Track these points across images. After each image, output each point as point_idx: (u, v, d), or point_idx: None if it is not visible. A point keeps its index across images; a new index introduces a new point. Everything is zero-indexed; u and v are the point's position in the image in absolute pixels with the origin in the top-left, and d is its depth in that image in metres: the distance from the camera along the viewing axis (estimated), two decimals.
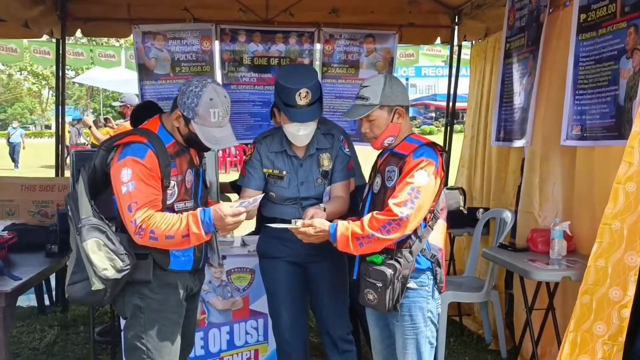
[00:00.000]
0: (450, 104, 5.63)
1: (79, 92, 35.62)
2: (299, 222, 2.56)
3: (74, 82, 27.42)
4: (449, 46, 5.62)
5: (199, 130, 2.45)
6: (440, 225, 2.52)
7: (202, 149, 2.59)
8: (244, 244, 3.63)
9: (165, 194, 2.45)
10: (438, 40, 5.70)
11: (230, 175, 12.65)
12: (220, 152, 4.80)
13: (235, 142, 2.57)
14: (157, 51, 5.14)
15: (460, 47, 5.53)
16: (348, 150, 3.04)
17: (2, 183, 4.37)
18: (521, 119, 3.90)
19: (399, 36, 5.30)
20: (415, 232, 2.43)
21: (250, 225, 3.70)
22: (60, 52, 5.18)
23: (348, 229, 2.44)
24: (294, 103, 2.79)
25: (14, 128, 21.21)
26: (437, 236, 2.50)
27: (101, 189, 2.49)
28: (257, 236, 3.15)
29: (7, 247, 3.15)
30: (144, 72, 5.16)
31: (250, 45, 5.24)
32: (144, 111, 2.75)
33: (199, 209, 2.42)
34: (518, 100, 3.98)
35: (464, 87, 5.74)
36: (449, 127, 5.70)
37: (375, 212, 2.42)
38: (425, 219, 2.44)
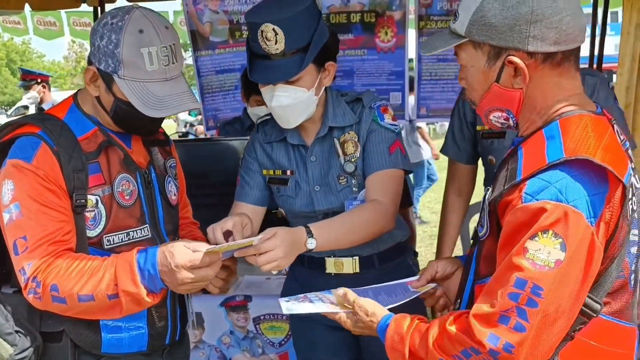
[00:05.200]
0: (596, 57, 4.06)
1: None
2: (327, 299, 1.49)
3: None
4: None
5: (128, 88, 1.46)
6: (616, 336, 1.25)
7: (145, 129, 1.61)
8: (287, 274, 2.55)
9: (82, 221, 1.48)
10: None
11: None
12: None
13: (195, 104, 1.54)
14: (211, 13, 4.23)
15: None
16: (392, 123, 1.87)
17: None
18: None
19: None
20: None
21: None
22: None
23: (404, 338, 1.28)
24: (258, 49, 1.73)
25: None
26: None
27: None
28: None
29: None
30: (198, 40, 4.28)
31: None
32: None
33: (135, 250, 1.45)
34: None
35: (609, 47, 4.21)
36: None
37: (451, 319, 1.24)
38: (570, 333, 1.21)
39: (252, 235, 1.63)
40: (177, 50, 1.51)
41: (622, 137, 1.31)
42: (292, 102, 1.78)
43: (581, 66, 1.72)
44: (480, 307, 1.17)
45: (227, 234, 1.61)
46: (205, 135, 4.46)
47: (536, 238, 1.11)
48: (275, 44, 1.70)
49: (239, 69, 4.21)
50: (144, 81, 1.48)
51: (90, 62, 1.54)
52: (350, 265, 1.94)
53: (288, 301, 1.51)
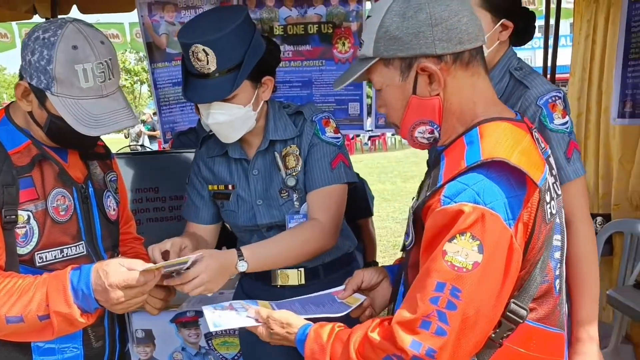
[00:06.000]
0: (549, 67, 4.13)
1: None
2: (250, 311, 1.46)
3: None
4: None
5: (62, 105, 1.41)
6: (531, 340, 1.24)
7: (81, 145, 1.56)
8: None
9: (12, 237, 1.43)
10: None
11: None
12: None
13: (132, 121, 1.49)
14: (167, 25, 4.18)
15: None
16: (334, 136, 1.86)
17: None
18: None
19: None
20: None
21: None
22: None
23: (325, 348, 1.25)
24: (191, 69, 1.73)
25: None
26: None
27: None
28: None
29: None
30: (155, 52, 4.22)
31: (282, 10, 4.12)
32: None
33: (69, 268, 1.40)
34: None
35: (565, 58, 4.38)
36: None
37: (373, 326, 1.23)
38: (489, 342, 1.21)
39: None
40: (113, 65, 1.48)
41: (542, 145, 1.34)
42: (228, 119, 1.76)
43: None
44: (402, 313, 1.15)
45: (166, 255, 1.60)
46: (164, 147, 4.39)
47: (454, 240, 1.11)
48: (207, 63, 1.69)
49: None
50: (79, 98, 1.43)
51: (21, 77, 1.48)
52: (295, 277, 1.92)
53: (214, 312, 1.47)
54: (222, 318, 1.43)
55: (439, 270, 1.12)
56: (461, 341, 1.12)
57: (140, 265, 1.40)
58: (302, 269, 1.90)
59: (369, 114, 4.23)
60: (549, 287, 1.24)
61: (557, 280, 1.26)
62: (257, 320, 1.41)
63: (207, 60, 1.68)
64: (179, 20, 4.17)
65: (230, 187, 1.91)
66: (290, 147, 1.87)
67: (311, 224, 1.80)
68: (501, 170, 1.15)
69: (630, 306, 2.23)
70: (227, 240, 2.07)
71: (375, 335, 1.18)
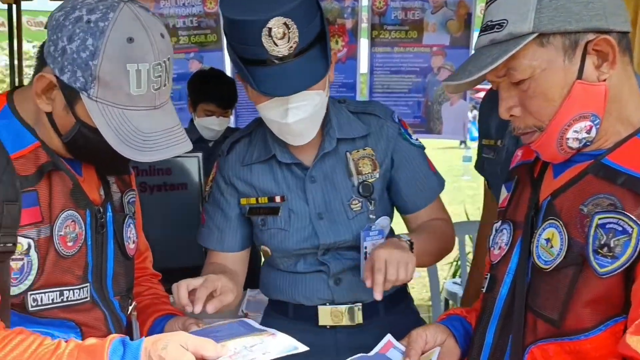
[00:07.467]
0: None
1: None
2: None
3: None
4: None
5: (101, 115, 1.08)
6: None
7: (110, 166, 1.23)
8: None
9: (6, 272, 1.05)
10: None
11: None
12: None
13: (188, 144, 1.15)
14: None
15: None
16: (416, 138, 1.60)
17: None
18: None
19: None
20: None
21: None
22: (15, 20, 3.81)
23: None
24: (261, 54, 1.32)
25: None
26: None
27: None
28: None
29: None
30: None
31: None
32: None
33: (108, 342, 1.02)
34: None
35: None
36: None
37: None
38: None
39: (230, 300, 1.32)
40: (170, 68, 1.12)
41: None
42: (311, 112, 1.39)
43: None
44: None
45: (193, 294, 1.29)
46: None
47: None
48: (288, 42, 1.30)
49: None
50: (125, 108, 1.09)
51: (44, 63, 1.11)
52: (352, 315, 1.55)
53: None
54: None
55: None
56: None
57: (211, 348, 1.02)
58: (360, 304, 1.55)
59: None
60: None
61: None
62: None
63: (288, 37, 1.29)
64: (158, 11, 3.81)
65: (277, 199, 1.53)
66: (365, 149, 1.53)
67: (440, 220, 1.62)
68: None
69: None
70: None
71: None
